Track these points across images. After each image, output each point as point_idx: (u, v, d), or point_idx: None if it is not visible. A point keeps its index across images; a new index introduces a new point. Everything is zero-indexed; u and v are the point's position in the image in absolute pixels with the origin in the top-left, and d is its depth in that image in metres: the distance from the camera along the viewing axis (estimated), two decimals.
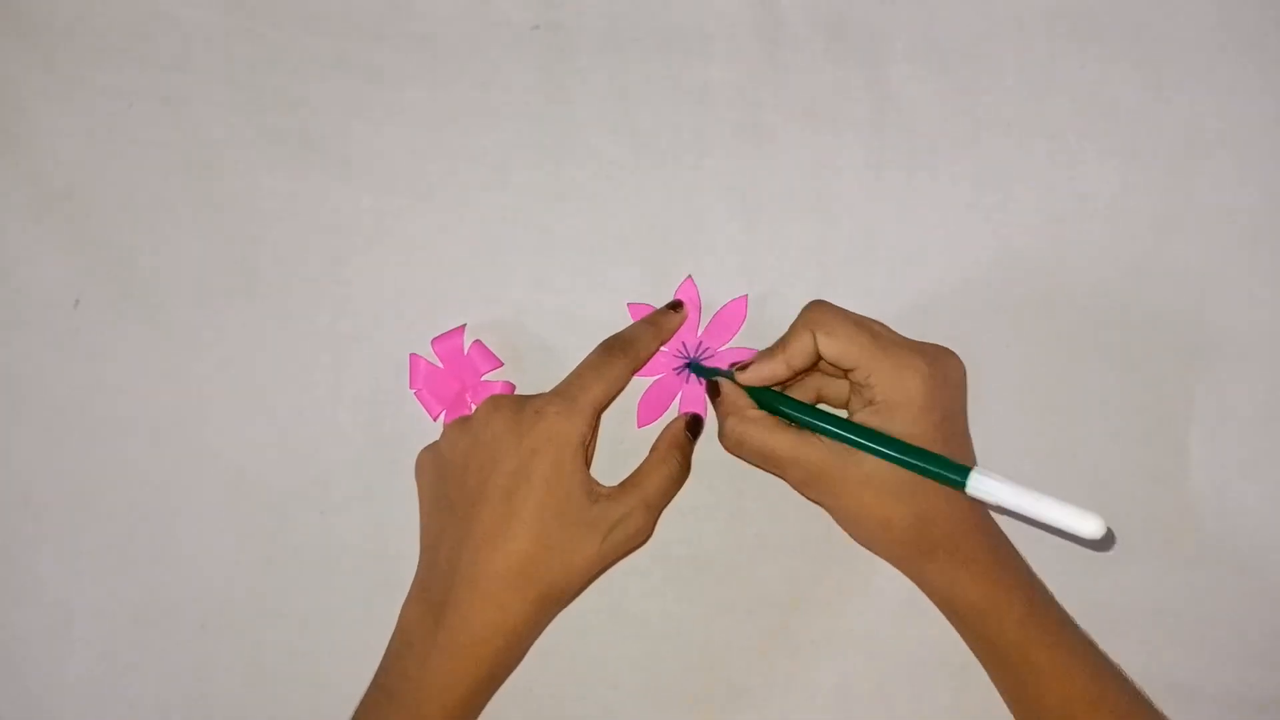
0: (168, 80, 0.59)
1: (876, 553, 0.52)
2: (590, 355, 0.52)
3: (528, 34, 0.58)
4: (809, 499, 0.52)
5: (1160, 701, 0.50)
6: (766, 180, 0.57)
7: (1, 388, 0.57)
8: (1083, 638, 0.50)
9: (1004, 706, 0.51)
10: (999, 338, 0.56)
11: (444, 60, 0.58)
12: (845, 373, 0.50)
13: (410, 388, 0.55)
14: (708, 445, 0.54)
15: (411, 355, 0.53)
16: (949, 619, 0.52)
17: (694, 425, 0.54)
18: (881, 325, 0.50)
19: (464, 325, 0.53)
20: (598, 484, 0.50)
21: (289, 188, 0.58)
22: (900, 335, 0.50)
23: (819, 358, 0.49)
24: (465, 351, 0.54)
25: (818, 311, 0.50)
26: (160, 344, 0.57)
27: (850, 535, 0.52)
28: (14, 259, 0.58)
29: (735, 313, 0.55)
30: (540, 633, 0.52)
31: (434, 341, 0.53)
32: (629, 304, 0.55)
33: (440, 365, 0.53)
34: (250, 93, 0.58)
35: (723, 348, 0.55)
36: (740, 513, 0.55)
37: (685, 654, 0.54)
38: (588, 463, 0.51)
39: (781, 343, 0.50)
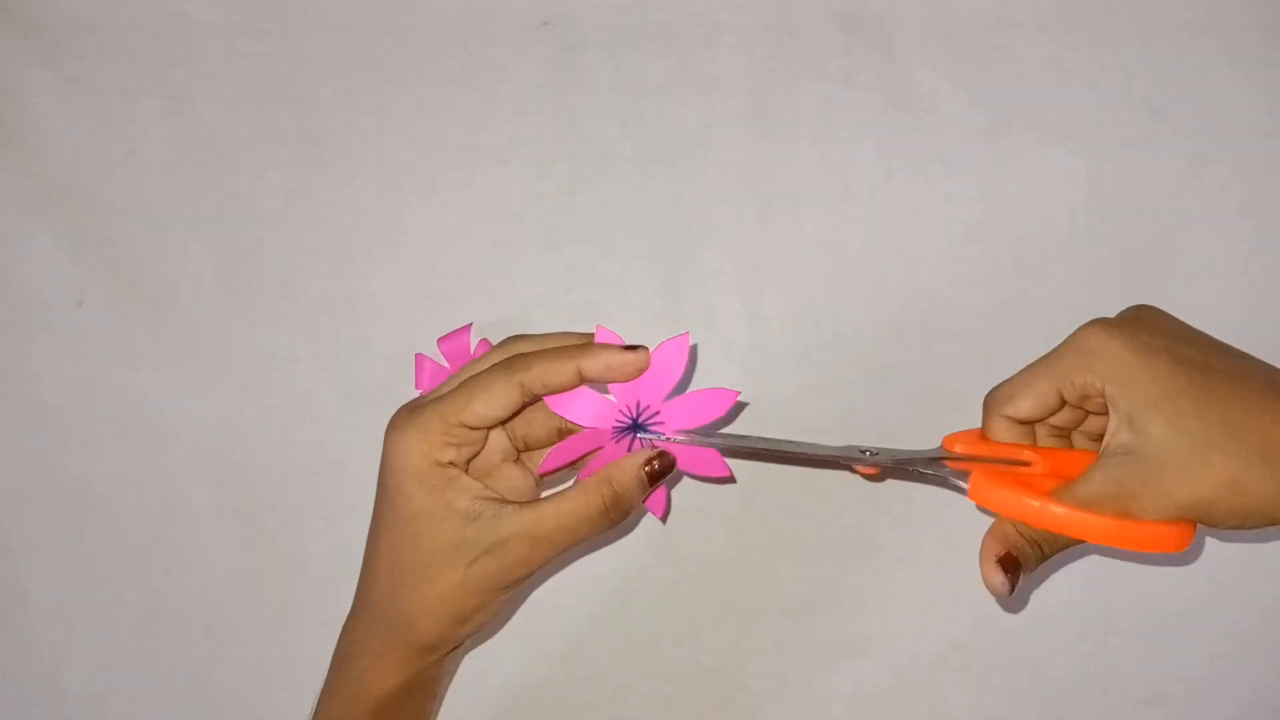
0: (172, 78, 0.58)
1: (1256, 524, 0.41)
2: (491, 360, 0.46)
3: (536, 29, 0.58)
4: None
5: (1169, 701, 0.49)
6: (777, 174, 0.56)
7: (5, 387, 0.57)
8: None
9: (1022, 712, 0.50)
10: (1014, 334, 0.55)
11: (450, 56, 0.58)
12: (1089, 405, 0.44)
13: (416, 388, 0.54)
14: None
15: (417, 355, 0.53)
16: None
17: (660, 470, 0.44)
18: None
19: (470, 325, 0.52)
20: (489, 503, 0.43)
21: (294, 186, 0.57)
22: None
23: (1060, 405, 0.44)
24: (471, 351, 0.53)
25: (993, 393, 0.44)
26: (164, 343, 0.57)
27: (1240, 528, 0.42)
28: (18, 258, 0.57)
29: (715, 403, 0.44)
30: (434, 689, 0.48)
31: (440, 341, 0.52)
32: (599, 327, 0.45)
33: (446, 365, 0.53)
34: (255, 90, 0.58)
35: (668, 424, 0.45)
36: (753, 515, 0.55)
37: (698, 659, 0.54)
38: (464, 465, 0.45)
39: (1007, 390, 0.44)
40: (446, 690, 0.52)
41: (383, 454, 0.44)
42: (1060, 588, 0.51)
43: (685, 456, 0.45)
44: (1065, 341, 0.43)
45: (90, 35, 0.59)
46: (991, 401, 0.44)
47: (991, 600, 0.53)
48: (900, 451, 0.45)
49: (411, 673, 0.45)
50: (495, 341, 0.51)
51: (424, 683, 0.46)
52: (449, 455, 0.43)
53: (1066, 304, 0.55)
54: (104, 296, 0.57)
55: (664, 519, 0.49)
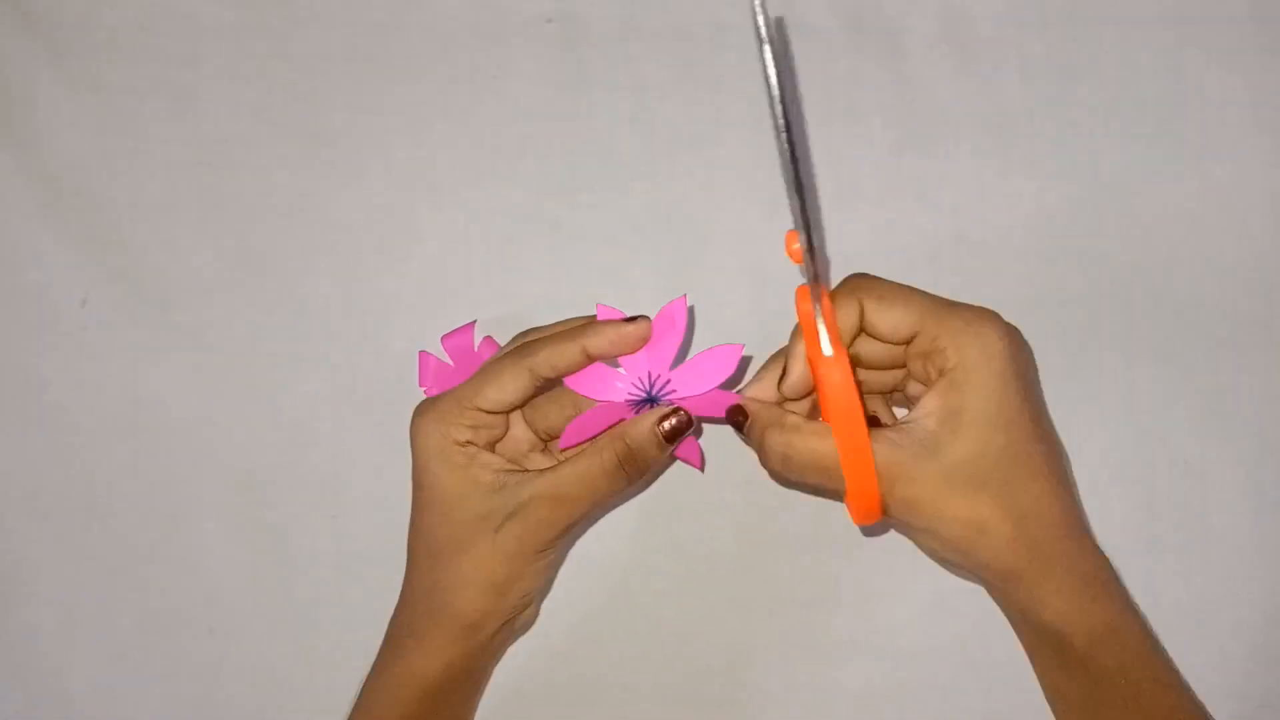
0: (178, 77, 0.58)
1: (968, 572, 0.44)
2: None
3: (541, 26, 0.58)
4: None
5: None
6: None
7: (8, 387, 0.57)
8: (1185, 683, 0.45)
9: (1030, 709, 0.50)
10: (1022, 328, 0.54)
11: (456, 54, 0.58)
12: (903, 347, 0.44)
13: (420, 385, 0.54)
14: (721, 443, 0.53)
15: (421, 353, 0.53)
16: (1040, 650, 0.45)
17: (675, 426, 0.45)
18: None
19: (474, 322, 0.52)
20: (511, 474, 0.45)
21: (299, 185, 0.57)
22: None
23: (859, 335, 0.43)
24: (476, 348, 0.53)
25: (862, 278, 0.43)
26: (168, 343, 0.57)
27: (930, 553, 0.45)
28: (22, 257, 0.57)
29: (721, 362, 0.45)
30: (479, 677, 0.50)
31: (444, 339, 0.52)
32: (599, 305, 0.46)
33: (450, 363, 0.53)
34: (260, 89, 0.58)
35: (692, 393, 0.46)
36: (760, 509, 0.54)
37: (705, 655, 0.54)
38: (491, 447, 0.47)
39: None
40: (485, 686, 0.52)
41: (411, 444, 0.46)
42: None
43: (702, 406, 0.46)
44: (957, 306, 0.43)
45: (97, 35, 0.59)
46: (862, 288, 0.43)
47: None
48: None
49: (456, 654, 0.46)
50: (501, 339, 0.51)
51: (470, 671, 0.48)
52: (466, 436, 0.45)
53: (1072, 301, 0.55)
54: (109, 296, 0.57)
55: (701, 468, 0.50)
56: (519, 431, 0.48)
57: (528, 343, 0.46)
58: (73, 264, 0.57)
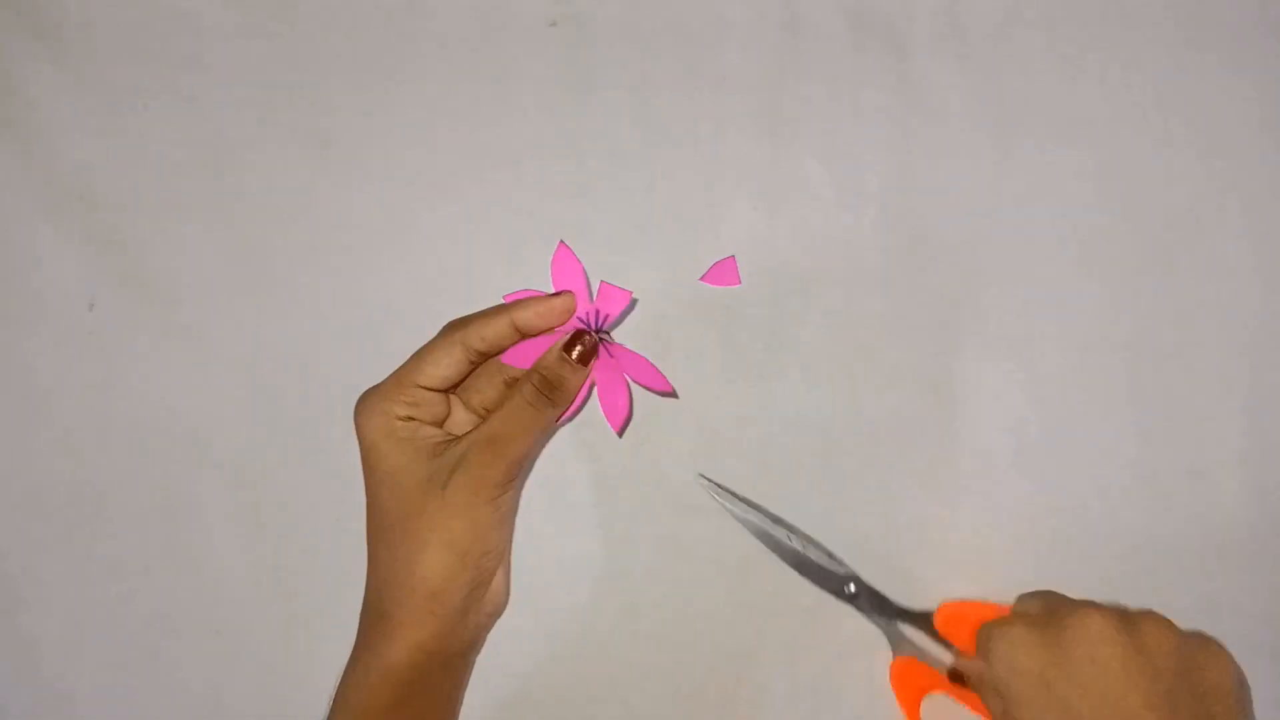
0: (183, 79, 0.58)
1: None
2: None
3: (543, 28, 0.58)
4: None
5: None
6: (787, 168, 0.56)
7: (16, 390, 0.57)
8: None
9: None
10: (1027, 329, 0.55)
11: (461, 56, 0.58)
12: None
13: None
14: (724, 446, 0.52)
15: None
16: None
17: (573, 344, 0.47)
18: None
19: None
20: (449, 441, 0.47)
21: (305, 186, 0.57)
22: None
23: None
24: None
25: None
26: (175, 345, 0.57)
27: None
28: (29, 260, 0.57)
29: (617, 300, 0.49)
30: (457, 670, 0.50)
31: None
32: (505, 296, 0.49)
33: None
34: (266, 91, 0.58)
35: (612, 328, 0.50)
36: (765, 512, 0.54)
37: (710, 658, 0.54)
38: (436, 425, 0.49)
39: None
40: (463, 695, 0.52)
41: (355, 431, 0.47)
42: (1076, 584, 0.50)
43: (633, 369, 0.49)
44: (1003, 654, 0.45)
45: (101, 37, 0.59)
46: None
47: (1006, 597, 0.53)
48: (886, 602, 0.51)
49: (425, 634, 0.46)
50: None
51: (441, 654, 0.47)
52: (407, 412, 0.47)
53: (1076, 300, 0.55)
54: (115, 298, 0.57)
55: (619, 433, 0.51)
56: (460, 414, 0.50)
57: (456, 320, 0.48)
58: (79, 267, 0.57)
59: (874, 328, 0.55)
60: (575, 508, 0.54)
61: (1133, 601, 0.52)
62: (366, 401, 0.47)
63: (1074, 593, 0.49)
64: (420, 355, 0.47)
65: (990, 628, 0.45)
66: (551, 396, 0.47)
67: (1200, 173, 0.55)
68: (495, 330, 0.47)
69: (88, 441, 0.56)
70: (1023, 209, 0.55)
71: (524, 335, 0.48)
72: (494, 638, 0.53)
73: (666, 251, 0.56)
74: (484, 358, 0.48)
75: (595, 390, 0.49)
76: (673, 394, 0.51)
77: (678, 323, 0.55)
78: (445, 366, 0.47)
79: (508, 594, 0.52)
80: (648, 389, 0.50)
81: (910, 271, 0.55)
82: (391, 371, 0.48)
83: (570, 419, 0.50)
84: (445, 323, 0.49)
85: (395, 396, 0.47)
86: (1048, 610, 0.45)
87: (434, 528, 0.46)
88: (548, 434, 0.48)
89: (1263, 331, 0.55)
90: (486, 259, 0.56)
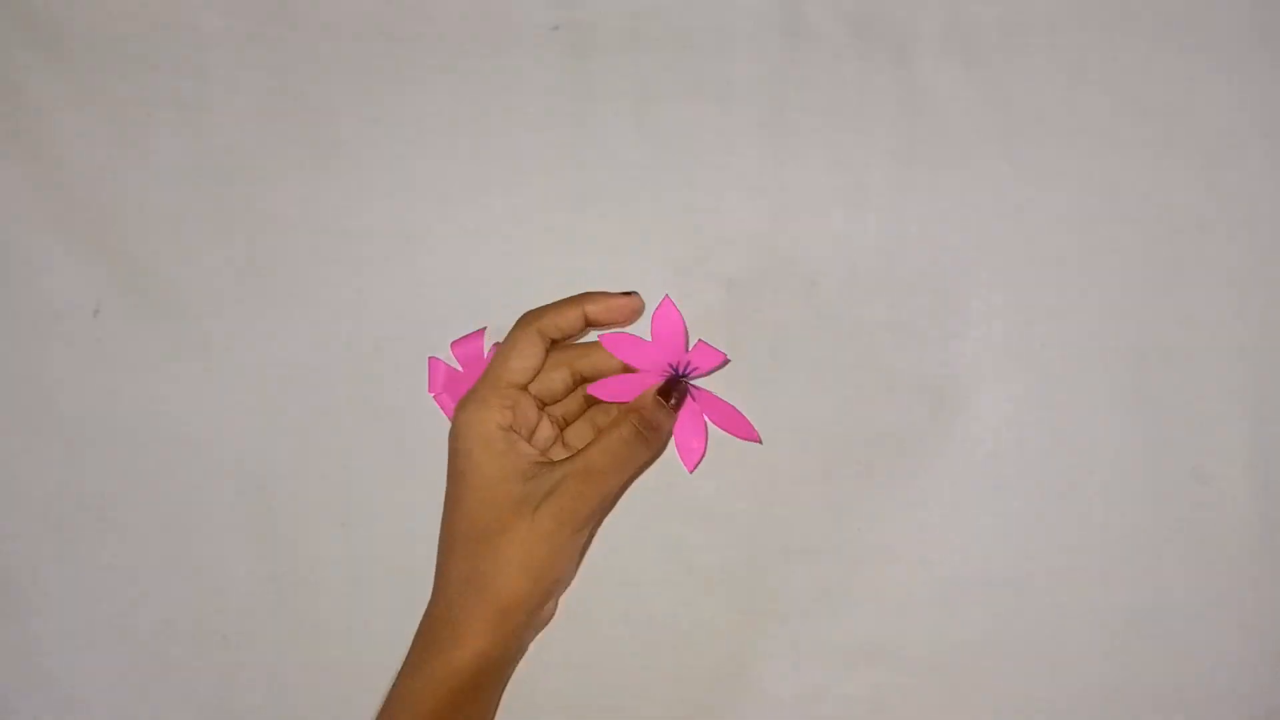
0: (186, 87, 0.58)
1: None
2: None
3: (548, 34, 0.57)
4: None
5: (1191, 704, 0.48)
6: (791, 178, 0.56)
7: (21, 397, 0.57)
8: None
9: (1041, 715, 0.49)
10: (1030, 337, 0.55)
11: (463, 62, 0.57)
12: None
13: (429, 392, 0.54)
14: (730, 453, 0.53)
15: (430, 359, 0.53)
16: None
17: (669, 391, 0.50)
18: None
19: (484, 328, 0.52)
20: (544, 464, 0.48)
21: (308, 194, 0.57)
22: None
23: None
24: (486, 354, 0.53)
25: None
26: (180, 352, 0.57)
27: None
28: (33, 267, 0.57)
29: (710, 358, 0.50)
30: (506, 669, 0.50)
31: (454, 345, 0.52)
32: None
33: (460, 369, 0.53)
34: (268, 99, 0.58)
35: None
36: (768, 517, 0.54)
37: (714, 663, 0.54)
38: (527, 439, 0.49)
39: None
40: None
41: (453, 436, 0.48)
42: (1081, 589, 0.51)
43: (716, 413, 0.51)
44: None
45: (105, 46, 0.58)
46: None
47: (1010, 602, 0.53)
48: None
49: (489, 642, 0.47)
50: None
51: (500, 661, 0.48)
52: (507, 418, 0.48)
53: (1083, 307, 0.55)
54: (120, 305, 0.57)
55: (691, 470, 0.52)
56: (545, 429, 0.51)
57: (531, 312, 0.49)
58: (84, 274, 0.57)
59: (878, 335, 0.55)
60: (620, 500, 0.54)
61: (1138, 605, 0.53)
62: (465, 408, 0.48)
63: (1078, 598, 0.50)
64: (504, 353, 0.48)
65: None
66: (648, 437, 0.48)
67: (1205, 179, 0.55)
68: (569, 320, 0.49)
69: (92, 448, 0.56)
70: (1026, 215, 0.55)
71: (592, 326, 0.50)
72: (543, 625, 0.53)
73: (671, 261, 0.56)
74: (554, 346, 0.50)
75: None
76: (758, 440, 0.52)
77: None
78: (529, 358, 0.48)
79: (556, 608, 0.52)
80: (732, 434, 0.51)
81: (914, 278, 0.55)
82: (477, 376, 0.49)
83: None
84: (519, 318, 0.50)
85: (493, 401, 0.48)
86: None
87: (518, 549, 0.46)
88: (638, 474, 0.49)
89: (1267, 337, 0.54)
90: (490, 267, 0.56)
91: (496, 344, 0.52)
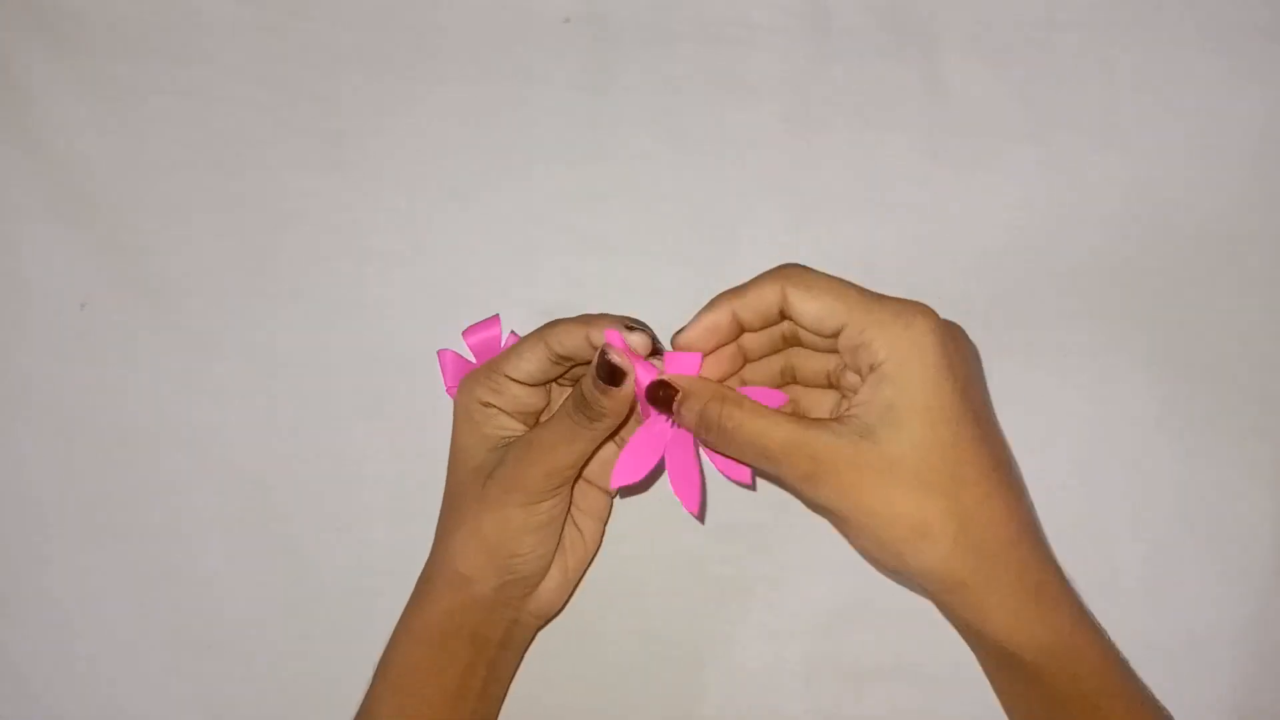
0: (186, 74, 0.57)
1: (905, 575, 0.43)
2: None
3: (564, 26, 0.57)
4: (813, 505, 0.44)
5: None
6: (814, 178, 0.55)
7: (5, 393, 0.55)
8: (1151, 695, 0.45)
9: None
10: (1061, 342, 0.54)
11: (476, 53, 0.57)
12: (830, 339, 0.43)
13: (446, 385, 0.52)
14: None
15: (441, 351, 0.51)
16: (990, 664, 0.45)
17: (602, 363, 0.44)
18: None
19: (497, 315, 0.51)
20: (514, 435, 0.48)
21: (311, 186, 0.56)
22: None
23: (779, 320, 0.43)
24: (502, 343, 0.52)
25: (790, 267, 0.43)
26: (173, 349, 0.55)
27: (867, 555, 0.44)
28: (20, 257, 0.56)
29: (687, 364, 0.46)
30: (506, 635, 0.49)
31: (466, 333, 0.51)
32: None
33: (474, 360, 0.51)
34: (272, 87, 0.57)
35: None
36: (784, 532, 0.53)
37: (726, 680, 0.53)
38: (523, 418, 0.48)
39: (734, 290, 0.43)
40: (504, 691, 0.52)
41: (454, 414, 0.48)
42: (1102, 605, 0.50)
43: (725, 467, 0.46)
44: (888, 299, 0.42)
45: (102, 30, 0.57)
46: (788, 275, 0.43)
47: None
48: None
49: (454, 602, 0.47)
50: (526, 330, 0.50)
51: (470, 626, 0.48)
52: (489, 398, 0.47)
53: (1109, 312, 0.54)
54: (109, 299, 0.56)
55: (699, 517, 0.50)
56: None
57: (554, 320, 0.47)
58: (72, 265, 0.56)
59: None
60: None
61: (1160, 622, 0.52)
62: (462, 386, 0.48)
63: (1099, 614, 0.49)
64: (515, 346, 0.48)
65: (882, 310, 0.41)
66: (586, 413, 0.45)
67: (1239, 183, 0.55)
68: (573, 340, 0.46)
69: (79, 447, 0.55)
70: (1056, 217, 0.54)
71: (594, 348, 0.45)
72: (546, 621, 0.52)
73: (687, 260, 0.55)
74: (570, 361, 0.47)
75: (666, 470, 0.47)
76: (750, 486, 0.48)
77: None
78: (530, 362, 0.47)
79: (564, 600, 0.51)
80: (725, 475, 0.47)
81: (939, 281, 0.54)
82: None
83: (637, 489, 0.50)
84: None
85: (483, 380, 0.47)
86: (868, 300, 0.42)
87: (466, 519, 0.47)
88: (590, 449, 0.47)
89: None
90: (501, 265, 0.55)
91: (514, 333, 0.51)
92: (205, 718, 0.54)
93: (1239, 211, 0.54)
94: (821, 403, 0.47)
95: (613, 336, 0.44)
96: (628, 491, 0.52)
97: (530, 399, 0.48)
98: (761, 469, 0.43)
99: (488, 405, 0.47)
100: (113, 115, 0.57)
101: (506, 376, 0.47)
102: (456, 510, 0.48)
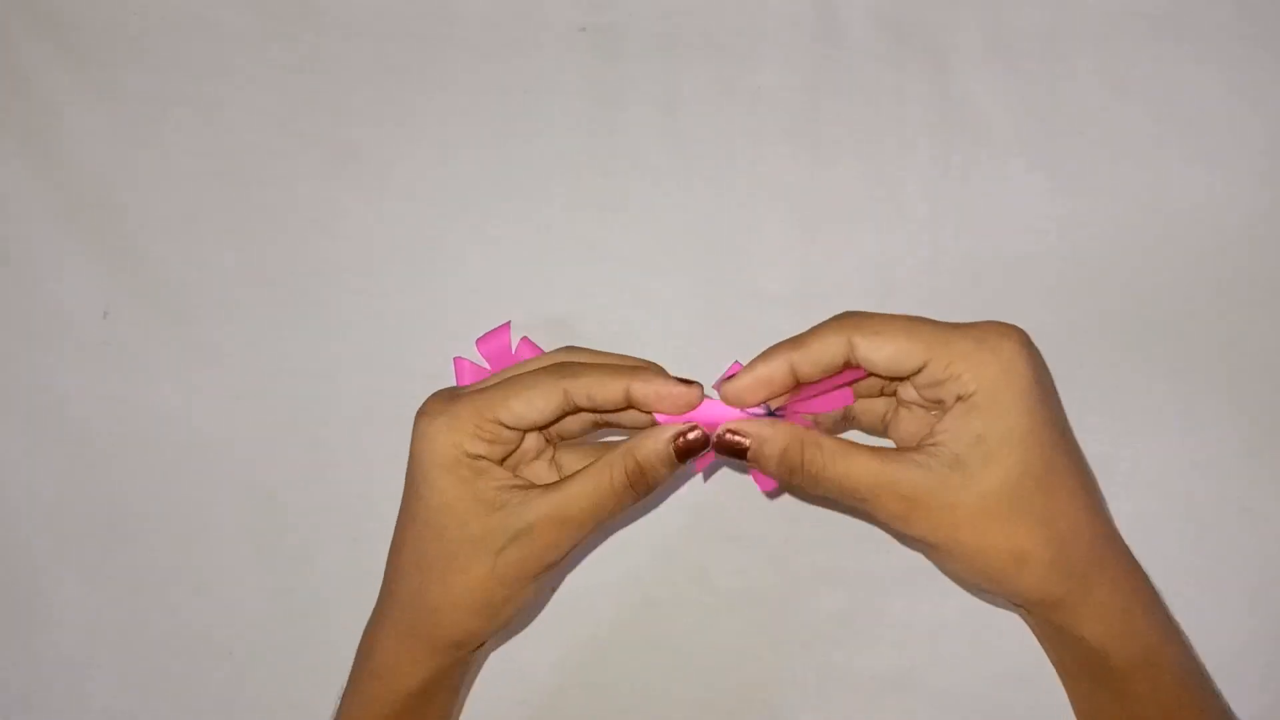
0: (202, 86, 0.58)
1: (1006, 599, 0.42)
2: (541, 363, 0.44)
3: (574, 36, 0.57)
4: (906, 539, 0.43)
5: None
6: (824, 188, 0.55)
7: (26, 401, 0.56)
8: (1226, 706, 0.44)
9: None
10: (1075, 353, 0.53)
11: (487, 64, 0.57)
12: (901, 380, 0.42)
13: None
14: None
15: (456, 359, 0.51)
16: (1076, 672, 0.44)
17: (689, 443, 0.41)
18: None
19: (508, 322, 0.50)
20: (515, 490, 0.41)
21: (325, 198, 0.56)
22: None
23: (842, 370, 0.41)
24: (513, 350, 0.52)
25: (853, 315, 0.40)
26: (190, 357, 0.56)
27: (958, 579, 0.43)
28: (42, 268, 0.57)
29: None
30: (459, 686, 0.47)
31: (479, 342, 0.51)
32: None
33: (488, 367, 0.51)
34: (286, 100, 0.57)
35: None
36: (795, 543, 0.53)
37: (737, 691, 0.53)
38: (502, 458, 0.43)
39: (792, 341, 0.40)
40: (469, 689, 0.51)
41: (412, 441, 0.42)
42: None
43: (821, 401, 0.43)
44: (963, 326, 0.40)
45: (120, 43, 0.58)
46: (853, 324, 0.40)
47: None
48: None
49: (437, 668, 0.43)
50: (536, 340, 0.49)
51: (449, 680, 0.45)
52: (479, 449, 0.41)
53: (1125, 325, 0.53)
54: (129, 308, 0.56)
55: (778, 491, 0.48)
56: (530, 440, 0.44)
57: (570, 364, 0.42)
58: (93, 275, 0.56)
59: None
60: (597, 536, 0.53)
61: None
62: (434, 421, 0.41)
63: None
64: (514, 389, 0.41)
65: (963, 339, 0.39)
66: (639, 489, 0.41)
67: (1253, 196, 0.54)
68: (607, 394, 0.40)
69: (99, 454, 0.55)
70: (1068, 228, 0.54)
71: (633, 408, 0.42)
72: (512, 667, 0.52)
73: (698, 271, 0.55)
74: (579, 411, 0.42)
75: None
76: (773, 495, 0.48)
77: (706, 343, 0.54)
78: (539, 410, 0.41)
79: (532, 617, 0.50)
80: (755, 481, 0.44)
81: (951, 293, 0.54)
82: (449, 387, 0.44)
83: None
84: (559, 348, 0.44)
85: (470, 429, 0.41)
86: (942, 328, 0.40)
87: (473, 591, 0.41)
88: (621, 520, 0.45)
89: None
90: (510, 276, 0.55)
91: (525, 339, 0.51)
92: (213, 719, 0.54)
93: (1250, 222, 0.54)
94: (872, 408, 0.46)
95: (712, 408, 0.40)
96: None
97: (529, 443, 0.44)
98: (850, 503, 0.41)
99: (478, 458, 0.41)
100: (132, 128, 0.57)
101: (502, 425, 0.41)
102: (445, 577, 0.41)
